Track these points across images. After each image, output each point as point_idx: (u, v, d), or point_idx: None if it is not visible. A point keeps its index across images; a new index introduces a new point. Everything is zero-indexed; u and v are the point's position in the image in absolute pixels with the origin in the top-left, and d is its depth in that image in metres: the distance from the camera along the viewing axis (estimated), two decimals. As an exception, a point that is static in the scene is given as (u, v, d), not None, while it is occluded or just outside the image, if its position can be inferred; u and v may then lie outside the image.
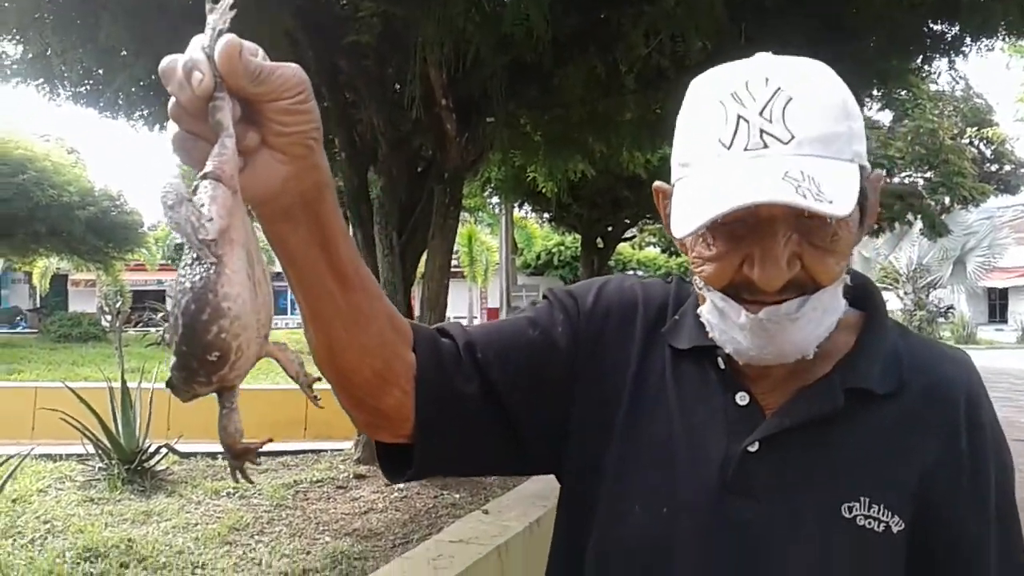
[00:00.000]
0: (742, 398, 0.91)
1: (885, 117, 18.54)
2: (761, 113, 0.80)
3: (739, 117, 0.80)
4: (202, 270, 0.58)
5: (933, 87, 15.24)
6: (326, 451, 6.48)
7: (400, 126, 5.85)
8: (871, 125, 18.46)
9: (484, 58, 4.83)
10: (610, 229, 14.45)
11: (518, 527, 4.42)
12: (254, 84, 0.64)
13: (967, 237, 32.44)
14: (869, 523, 0.85)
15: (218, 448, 0.58)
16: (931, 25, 5.36)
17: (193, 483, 5.48)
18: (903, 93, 8.90)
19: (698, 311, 0.91)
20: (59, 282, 36.53)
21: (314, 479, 5.70)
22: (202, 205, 0.59)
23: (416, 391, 0.88)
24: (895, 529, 0.85)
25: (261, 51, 0.66)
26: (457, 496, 5.34)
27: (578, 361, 0.96)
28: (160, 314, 19.87)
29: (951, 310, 35.93)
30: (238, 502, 5.05)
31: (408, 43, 5.03)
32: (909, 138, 16.10)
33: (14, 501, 4.81)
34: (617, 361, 0.96)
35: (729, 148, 0.80)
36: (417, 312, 6.26)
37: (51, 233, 18.45)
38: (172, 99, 0.64)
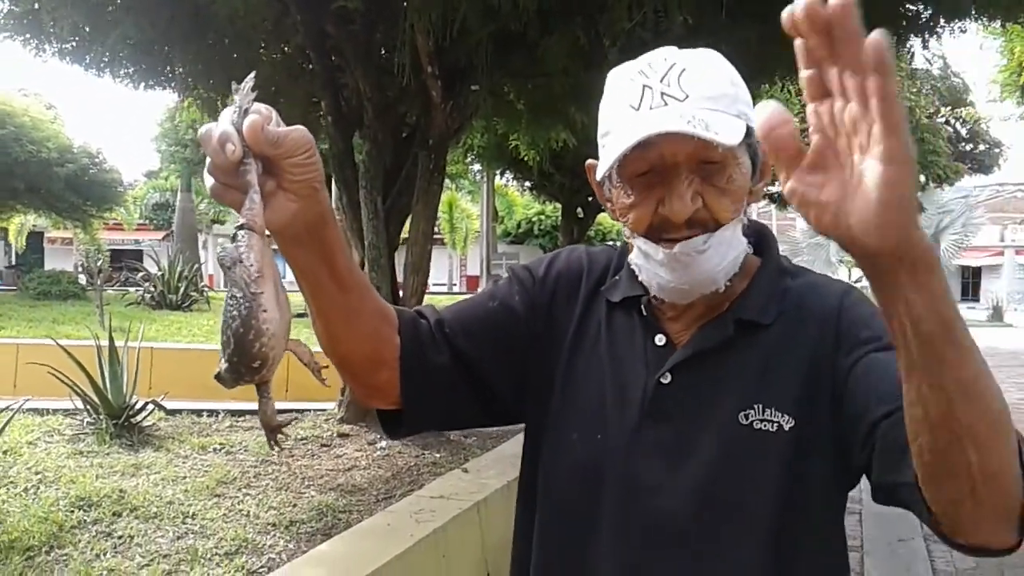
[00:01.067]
0: (659, 339, 1.10)
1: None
2: (661, 81, 1.00)
3: (643, 86, 1.00)
4: (246, 302, 0.81)
5: (910, 66, 15.38)
6: (309, 411, 6.62)
7: (386, 92, 5.92)
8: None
9: (471, 26, 4.92)
10: (590, 199, 14.51)
11: (496, 484, 4.59)
12: (273, 148, 0.85)
13: (941, 215, 32.82)
14: (764, 425, 1.03)
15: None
16: (906, 5, 5.49)
17: (180, 439, 5.59)
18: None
19: (628, 259, 1.10)
20: (35, 239, 36.24)
21: (299, 436, 5.83)
22: (243, 253, 0.82)
23: (400, 368, 1.10)
24: (786, 427, 1.03)
25: (275, 114, 0.87)
26: (438, 455, 5.50)
27: (534, 324, 1.17)
28: (140, 274, 19.83)
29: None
30: (224, 457, 5.18)
31: (396, 10, 5.11)
32: (886, 115, 16.27)
33: (4, 452, 4.90)
34: (564, 319, 1.17)
35: (637, 109, 1.00)
36: (400, 277, 6.38)
37: (29, 190, 18.24)
38: (208, 160, 0.84)
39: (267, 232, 0.89)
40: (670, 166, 0.99)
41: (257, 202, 0.84)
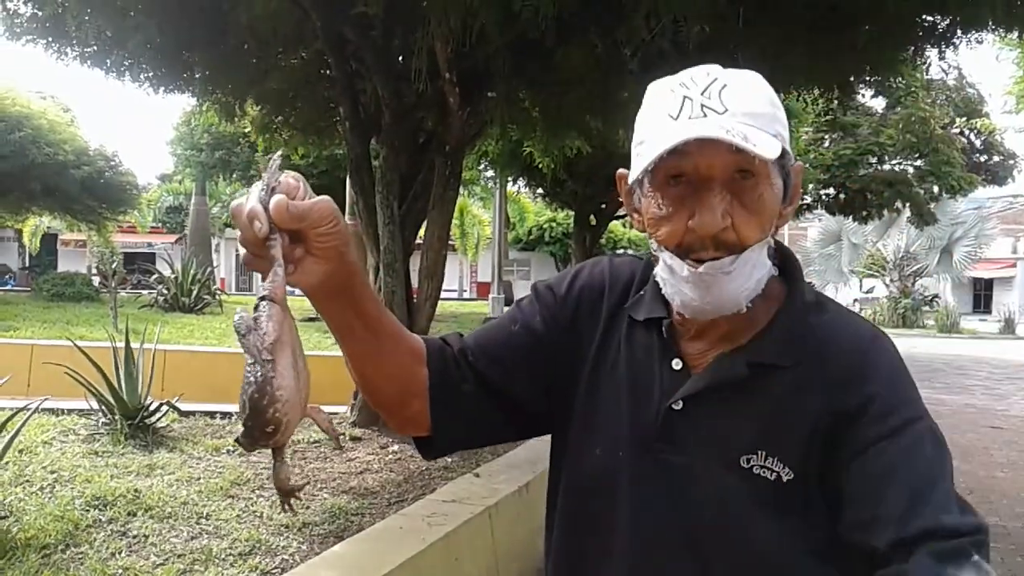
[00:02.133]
0: (676, 363, 1.12)
1: (879, 104, 18.69)
2: (702, 93, 1.01)
3: (684, 97, 1.02)
4: (260, 368, 0.85)
5: (926, 76, 15.35)
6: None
7: (404, 98, 5.96)
8: (865, 112, 18.59)
9: (489, 34, 4.95)
10: (603, 206, 14.52)
11: (508, 490, 4.60)
12: (298, 223, 0.90)
13: (954, 227, 32.72)
14: (763, 472, 1.04)
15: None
16: (923, 16, 5.49)
17: (194, 440, 5.63)
18: (897, 81, 9.02)
19: (654, 272, 1.11)
20: (49, 241, 36.45)
21: (311, 440, 5.86)
22: (262, 322, 0.86)
23: (429, 399, 1.15)
24: (784, 478, 1.03)
25: (303, 184, 0.93)
26: (450, 460, 5.51)
27: (557, 343, 1.19)
28: (153, 276, 19.92)
29: (936, 299, 36.26)
30: (238, 459, 5.21)
31: (415, 16, 5.15)
32: (900, 126, 16.22)
33: (20, 452, 4.94)
34: (587, 334, 1.20)
35: (676, 119, 1.01)
36: (415, 282, 6.40)
37: (45, 192, 18.33)
38: (240, 234, 0.90)
39: (304, 291, 0.97)
40: (704, 178, 1.00)
41: (280, 275, 0.88)
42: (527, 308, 1.23)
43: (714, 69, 1.04)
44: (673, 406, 1.09)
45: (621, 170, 1.12)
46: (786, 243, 1.19)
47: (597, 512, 1.15)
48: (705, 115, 0.99)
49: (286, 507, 0.98)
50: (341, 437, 6.03)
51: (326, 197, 0.93)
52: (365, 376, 1.12)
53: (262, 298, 0.88)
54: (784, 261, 1.13)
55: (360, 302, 1.03)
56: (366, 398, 1.17)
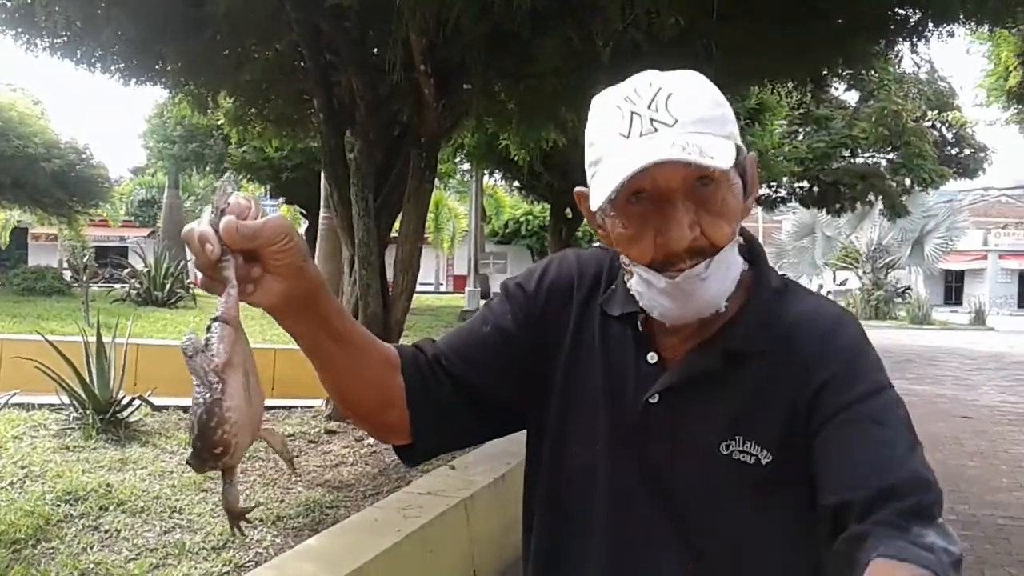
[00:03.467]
0: (652, 358, 1.13)
1: (852, 98, 18.83)
2: (649, 107, 1.00)
3: (632, 113, 1.01)
4: (207, 390, 0.84)
5: (899, 70, 15.49)
6: (297, 407, 6.61)
7: (378, 90, 5.92)
8: (838, 106, 18.73)
9: (464, 25, 4.93)
10: (579, 200, 14.53)
11: (483, 482, 4.61)
12: (250, 243, 0.90)
13: (926, 219, 33.07)
14: (743, 457, 1.06)
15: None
16: (895, 9, 5.54)
17: (166, 434, 5.58)
18: (870, 74, 9.10)
19: (628, 284, 1.11)
20: (19, 235, 35.94)
21: (286, 433, 5.83)
22: (213, 344, 0.86)
23: (407, 407, 1.14)
24: (763, 461, 1.05)
25: (254, 204, 0.92)
26: (425, 452, 5.50)
27: (529, 339, 1.19)
28: (126, 270, 19.71)
29: (908, 291, 36.66)
30: (212, 453, 5.17)
31: (390, 7, 5.11)
32: (873, 119, 16.36)
33: (-10, 447, 4.89)
34: (559, 329, 1.20)
35: (627, 137, 1.00)
36: (391, 275, 6.38)
37: (15, 185, 18.02)
38: (194, 258, 0.90)
39: (268, 311, 0.97)
40: (665, 192, 1.00)
41: (233, 296, 0.89)
42: (497, 308, 1.23)
43: (655, 77, 1.02)
44: (650, 400, 1.10)
45: (579, 188, 1.12)
46: (760, 238, 1.19)
47: (576, 508, 1.15)
48: (656, 130, 0.98)
49: (235, 530, 0.97)
50: (318, 431, 6.02)
51: (278, 215, 0.94)
52: (341, 390, 1.13)
53: (215, 319, 0.88)
54: (749, 249, 1.14)
55: (326, 316, 1.03)
56: (345, 412, 1.19)
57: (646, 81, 1.02)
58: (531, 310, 1.20)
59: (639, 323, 1.13)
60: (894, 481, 0.95)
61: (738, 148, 1.02)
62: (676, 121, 0.98)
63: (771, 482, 1.04)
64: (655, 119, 0.99)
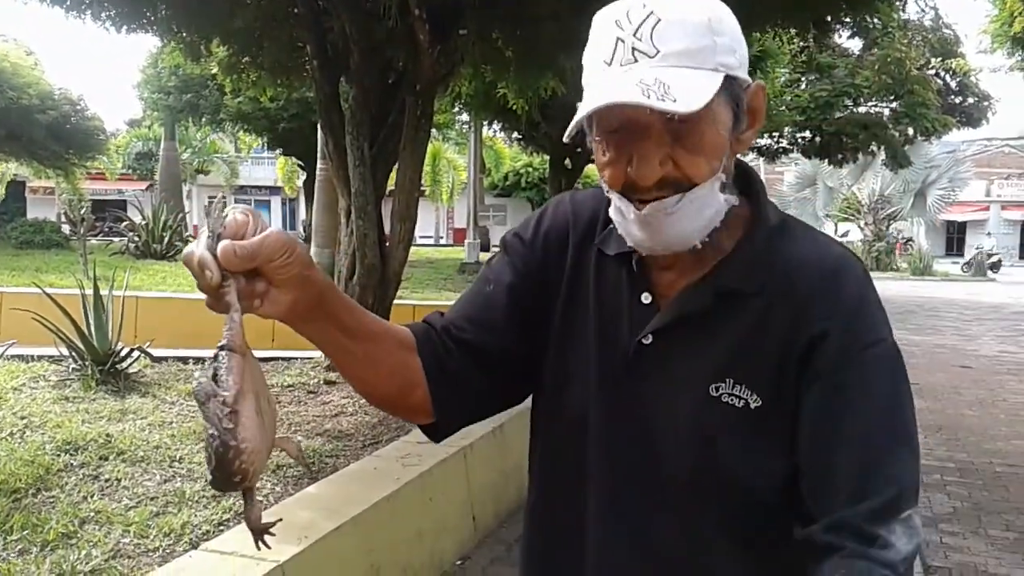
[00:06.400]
0: (645, 297, 1.11)
1: (855, 46, 18.56)
2: (635, 33, 0.96)
3: (617, 39, 0.97)
4: (225, 423, 0.85)
5: (903, 16, 15.24)
6: (296, 358, 6.62)
7: (373, 35, 5.82)
8: (841, 54, 18.46)
9: (459, -31, 4.83)
10: (579, 150, 14.42)
11: (481, 431, 4.62)
12: (250, 263, 0.89)
13: (929, 170, 32.83)
14: (731, 400, 1.04)
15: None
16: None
17: (166, 385, 5.59)
18: (874, 21, 8.93)
19: (610, 212, 1.09)
20: (17, 188, 35.80)
21: (285, 384, 5.84)
22: (222, 375, 0.86)
23: (428, 385, 1.14)
24: (752, 405, 1.03)
25: (251, 217, 0.91)
26: (424, 401, 5.51)
27: (532, 285, 1.18)
28: (124, 223, 19.66)
29: (910, 242, 36.57)
30: (211, 403, 5.18)
31: (383, -50, 5.00)
32: (876, 67, 16.12)
33: (-11, 397, 4.90)
34: (557, 273, 1.18)
35: (609, 65, 0.98)
36: (388, 226, 6.33)
37: (10, 137, 17.91)
38: (196, 281, 0.89)
39: (278, 320, 0.97)
40: (641, 126, 0.98)
41: (237, 320, 0.89)
42: (497, 266, 1.22)
43: (651, 1, 0.98)
44: (643, 340, 1.09)
45: None
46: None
47: (572, 448, 1.15)
48: (636, 60, 0.96)
49: (259, 544, 0.97)
50: (317, 381, 6.02)
51: (275, 229, 0.92)
52: (364, 381, 1.13)
53: (221, 347, 0.88)
54: (745, 180, 1.11)
55: (336, 315, 1.03)
56: (370, 401, 1.19)
57: (640, 2, 0.98)
58: (530, 257, 1.19)
59: (634, 263, 1.11)
60: (865, 484, 0.97)
61: (733, 79, 0.98)
62: (657, 52, 0.95)
63: (760, 426, 1.03)
64: (637, 48, 0.96)
